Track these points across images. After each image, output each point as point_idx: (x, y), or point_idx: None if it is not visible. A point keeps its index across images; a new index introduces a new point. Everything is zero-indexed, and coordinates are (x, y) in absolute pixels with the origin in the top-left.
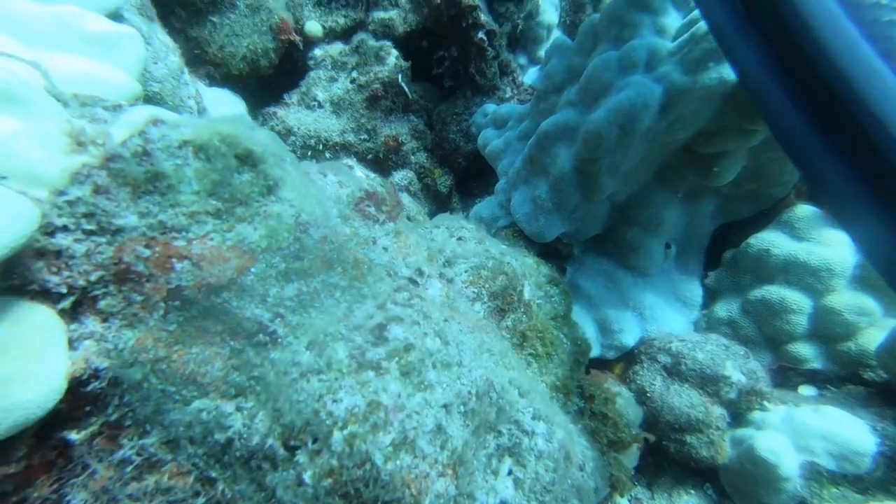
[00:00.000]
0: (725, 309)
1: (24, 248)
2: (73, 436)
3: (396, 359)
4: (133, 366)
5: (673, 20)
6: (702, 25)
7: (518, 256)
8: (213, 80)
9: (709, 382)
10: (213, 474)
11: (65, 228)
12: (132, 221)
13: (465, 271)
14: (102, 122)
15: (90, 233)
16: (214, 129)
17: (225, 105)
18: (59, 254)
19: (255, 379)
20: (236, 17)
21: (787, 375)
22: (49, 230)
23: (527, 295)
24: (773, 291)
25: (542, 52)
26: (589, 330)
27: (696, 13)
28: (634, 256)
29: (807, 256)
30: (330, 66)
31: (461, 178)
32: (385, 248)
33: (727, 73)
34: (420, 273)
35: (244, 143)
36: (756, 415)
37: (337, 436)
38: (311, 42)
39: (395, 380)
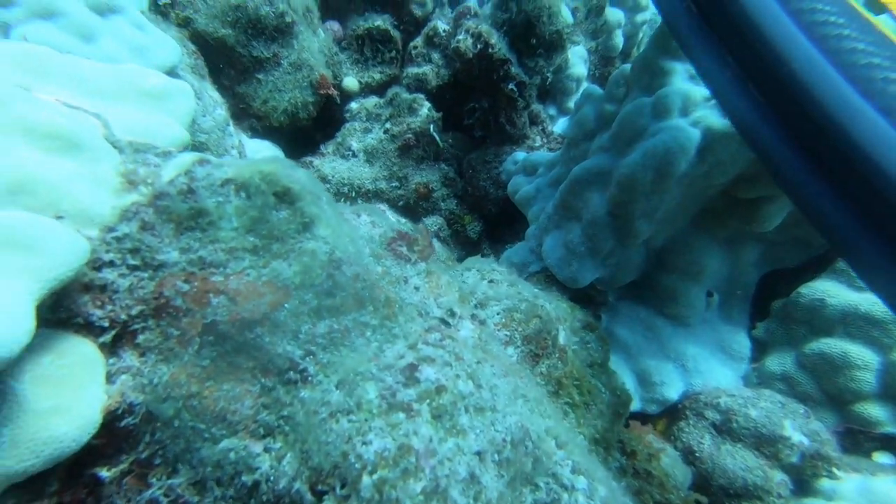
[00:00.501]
0: (778, 363)
1: (72, 281)
2: (104, 473)
3: (428, 401)
4: (166, 401)
5: None
6: None
7: (552, 300)
8: (256, 132)
9: (765, 443)
10: None
11: (111, 263)
12: (174, 257)
13: (498, 313)
14: (154, 167)
15: (134, 268)
16: (256, 168)
17: (265, 154)
18: (104, 288)
19: (285, 418)
20: (280, 74)
21: (857, 440)
22: (96, 265)
23: (562, 340)
24: (834, 345)
25: (571, 103)
26: (627, 381)
27: None
28: (674, 304)
29: (869, 307)
30: (365, 118)
31: (491, 225)
32: (416, 288)
33: None
34: (452, 314)
35: (283, 180)
36: (824, 483)
37: (366, 481)
38: (347, 96)
39: (427, 423)
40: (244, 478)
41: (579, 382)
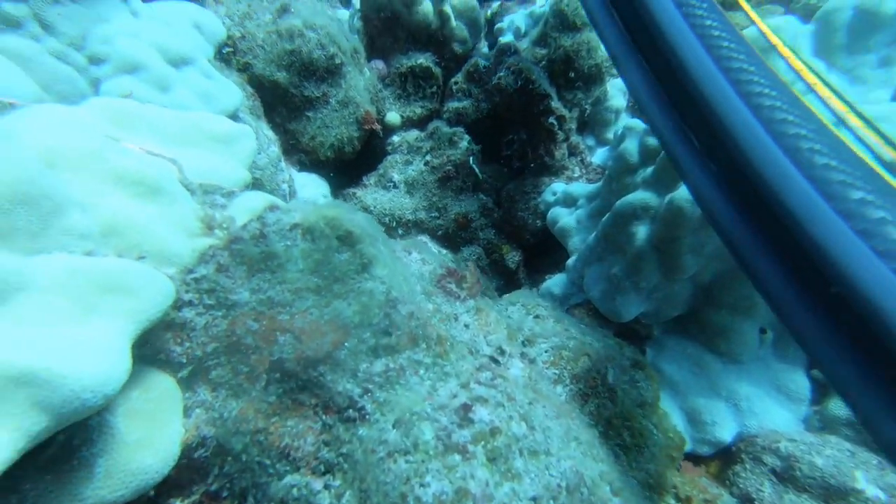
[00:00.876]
0: (843, 407)
1: (159, 321)
2: (179, 503)
3: (483, 443)
4: (235, 435)
5: None
6: None
7: (600, 338)
8: (303, 166)
9: (834, 496)
10: None
11: (190, 303)
12: (245, 297)
13: (546, 351)
14: (220, 207)
15: (210, 307)
16: (321, 213)
17: (312, 187)
18: (183, 326)
19: (344, 456)
20: (328, 111)
21: None
22: (177, 304)
23: (611, 379)
24: None
25: (609, 134)
26: (676, 420)
27: None
28: (724, 341)
29: None
30: (406, 151)
31: (529, 255)
32: (466, 326)
33: None
34: (501, 352)
35: (346, 224)
36: None
37: None
38: (390, 129)
39: (482, 466)
40: None
41: (630, 423)
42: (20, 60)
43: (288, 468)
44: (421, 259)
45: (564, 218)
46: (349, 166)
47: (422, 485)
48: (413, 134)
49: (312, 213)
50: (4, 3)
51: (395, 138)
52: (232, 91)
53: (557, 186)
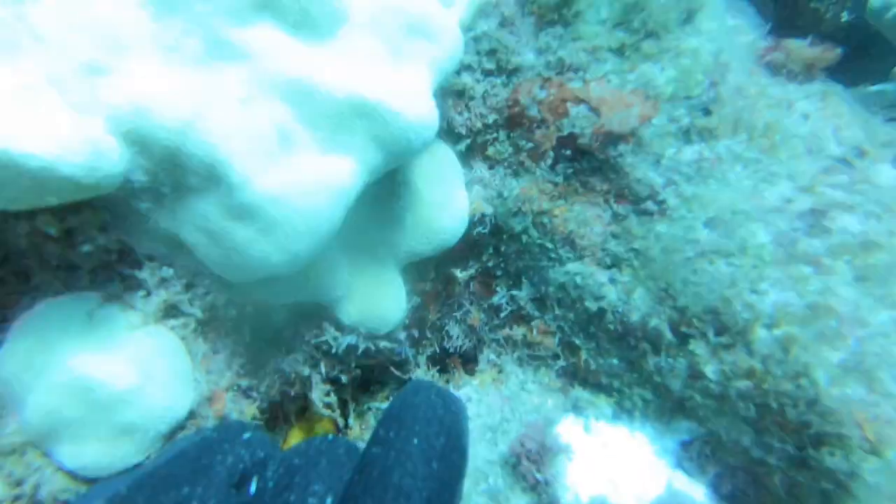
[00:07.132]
0: None
1: (449, 76)
2: (459, 273)
3: (847, 257)
4: (516, 216)
5: None
6: None
7: None
8: None
9: None
10: (577, 342)
11: (469, 67)
12: (530, 60)
13: None
14: None
15: (489, 72)
16: None
17: None
18: (462, 94)
19: (635, 252)
20: None
21: None
22: (457, 68)
23: None
24: None
25: None
26: None
27: None
28: None
29: None
30: None
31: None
32: (806, 116)
33: None
34: (860, 153)
35: None
36: None
37: (762, 334)
38: None
39: (847, 284)
40: (588, 304)
41: None
42: None
43: (571, 255)
44: (734, 26)
45: None
46: None
47: (755, 291)
48: None
49: None
50: None
51: None
52: None
53: None
